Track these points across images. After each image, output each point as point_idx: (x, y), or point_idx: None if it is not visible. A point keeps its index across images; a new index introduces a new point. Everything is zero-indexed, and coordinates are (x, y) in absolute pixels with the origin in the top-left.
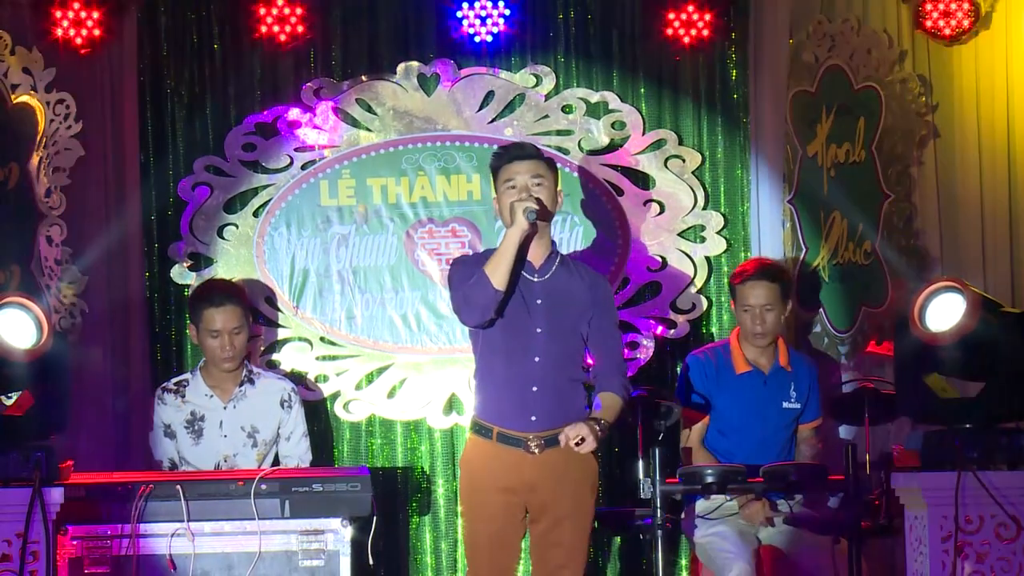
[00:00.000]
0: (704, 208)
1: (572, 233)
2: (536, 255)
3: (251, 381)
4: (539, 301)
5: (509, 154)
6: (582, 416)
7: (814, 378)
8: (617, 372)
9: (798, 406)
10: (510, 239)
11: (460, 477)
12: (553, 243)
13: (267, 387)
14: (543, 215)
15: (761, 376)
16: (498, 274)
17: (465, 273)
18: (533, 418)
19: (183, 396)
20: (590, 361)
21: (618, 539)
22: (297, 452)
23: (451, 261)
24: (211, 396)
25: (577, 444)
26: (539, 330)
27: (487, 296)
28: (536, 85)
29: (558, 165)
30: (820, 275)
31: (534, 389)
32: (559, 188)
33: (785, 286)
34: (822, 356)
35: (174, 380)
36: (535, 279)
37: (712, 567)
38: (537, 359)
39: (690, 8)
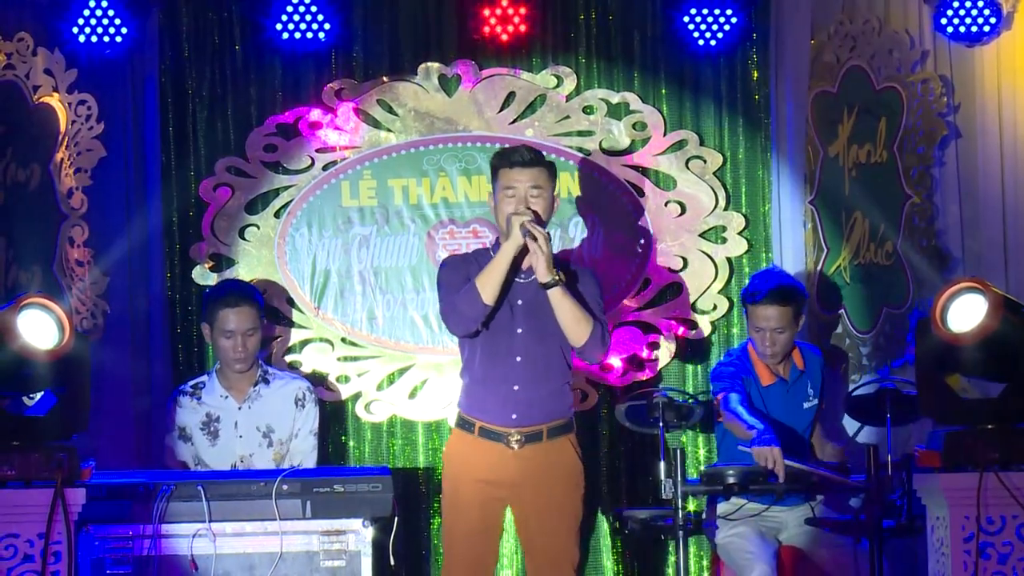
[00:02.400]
0: (725, 209)
1: (593, 234)
2: (521, 256)
3: (266, 381)
4: (520, 302)
5: (510, 159)
6: (567, 415)
7: (823, 366)
8: (599, 320)
9: (816, 401)
10: (504, 254)
11: (442, 469)
12: None
13: (282, 387)
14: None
15: (785, 385)
16: (489, 288)
17: (454, 279)
18: (514, 416)
19: (199, 398)
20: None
21: (636, 541)
22: (301, 449)
23: (441, 261)
24: (226, 397)
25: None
26: (520, 331)
27: (476, 310)
28: (557, 86)
29: (579, 167)
30: (841, 276)
31: (515, 388)
32: (556, 192)
33: (798, 305)
34: (840, 354)
35: (191, 382)
36: (520, 280)
37: (734, 567)
38: (518, 359)
39: (711, 9)
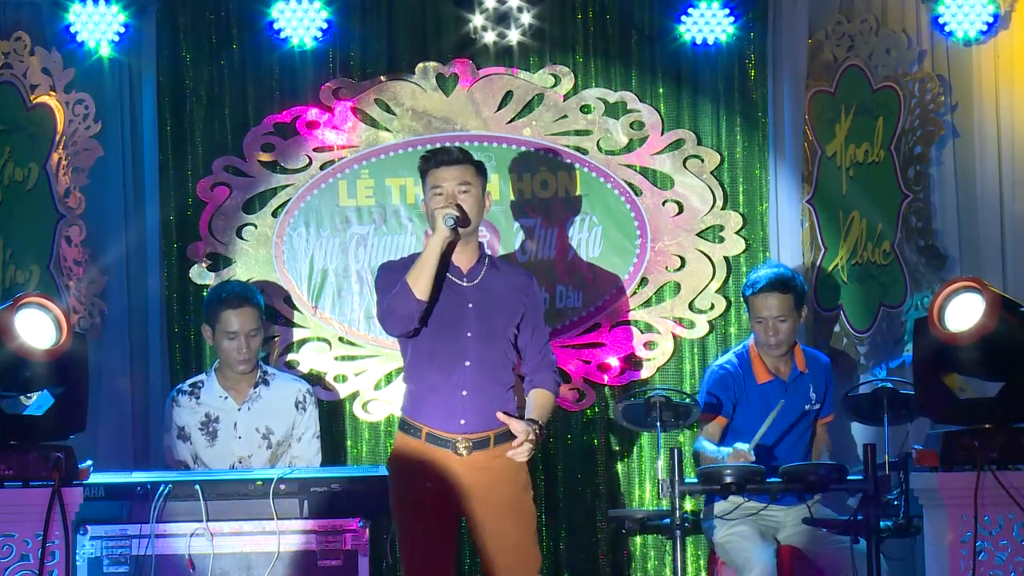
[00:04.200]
0: (723, 208)
1: (591, 234)
2: (464, 260)
3: (265, 382)
4: (470, 305)
5: (436, 159)
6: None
7: (829, 375)
8: (547, 367)
9: (817, 406)
10: (431, 248)
11: (389, 475)
12: (481, 246)
13: (282, 388)
14: (464, 222)
15: (782, 384)
16: (420, 284)
17: (390, 281)
18: (462, 422)
19: (198, 398)
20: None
21: (633, 540)
22: (306, 454)
23: (379, 266)
24: (226, 398)
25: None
26: (469, 334)
27: (409, 306)
28: (555, 85)
29: (577, 166)
30: (839, 275)
31: (464, 393)
32: (487, 192)
33: (798, 295)
34: (837, 353)
35: (189, 382)
36: (465, 283)
37: (733, 566)
38: (467, 363)
39: (709, 8)
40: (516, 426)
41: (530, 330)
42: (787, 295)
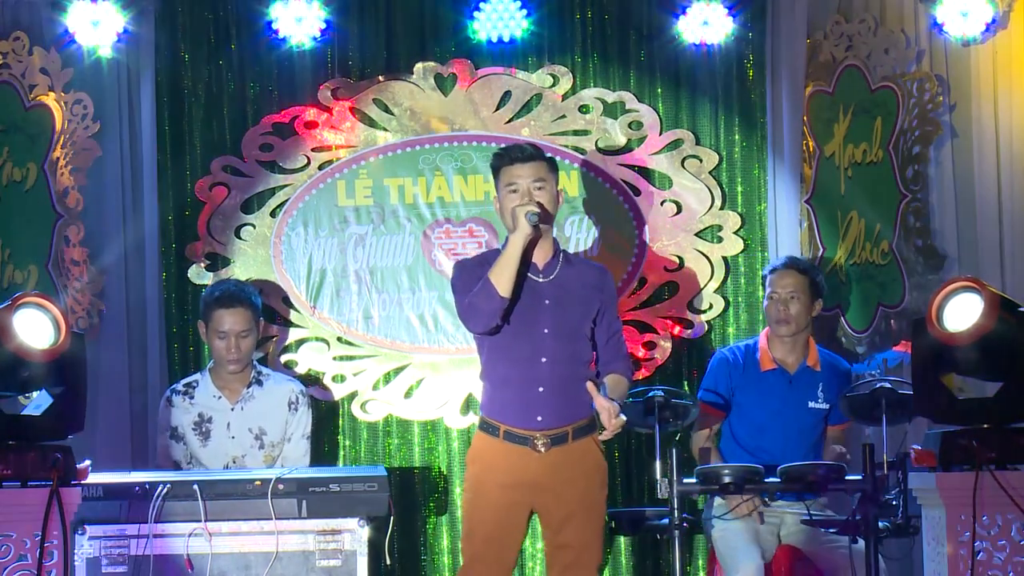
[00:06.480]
0: (721, 208)
1: (589, 233)
2: (540, 256)
3: (259, 383)
4: (547, 302)
5: (510, 156)
6: (590, 414)
7: (845, 382)
8: (622, 358)
9: (825, 407)
10: (514, 244)
11: (466, 471)
12: (555, 242)
13: (275, 389)
14: (544, 218)
15: (786, 375)
16: (503, 281)
17: (469, 278)
18: (539, 418)
19: (191, 397)
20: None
21: (632, 540)
22: (294, 455)
23: (454, 265)
24: (219, 397)
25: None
26: (546, 331)
27: (493, 304)
28: (553, 85)
29: (576, 166)
30: (837, 275)
31: (540, 390)
32: (560, 187)
33: (814, 280)
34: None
35: (183, 382)
36: (541, 279)
37: (724, 564)
38: (544, 360)
39: (707, 8)
40: (601, 401)
41: (606, 324)
42: (803, 276)
